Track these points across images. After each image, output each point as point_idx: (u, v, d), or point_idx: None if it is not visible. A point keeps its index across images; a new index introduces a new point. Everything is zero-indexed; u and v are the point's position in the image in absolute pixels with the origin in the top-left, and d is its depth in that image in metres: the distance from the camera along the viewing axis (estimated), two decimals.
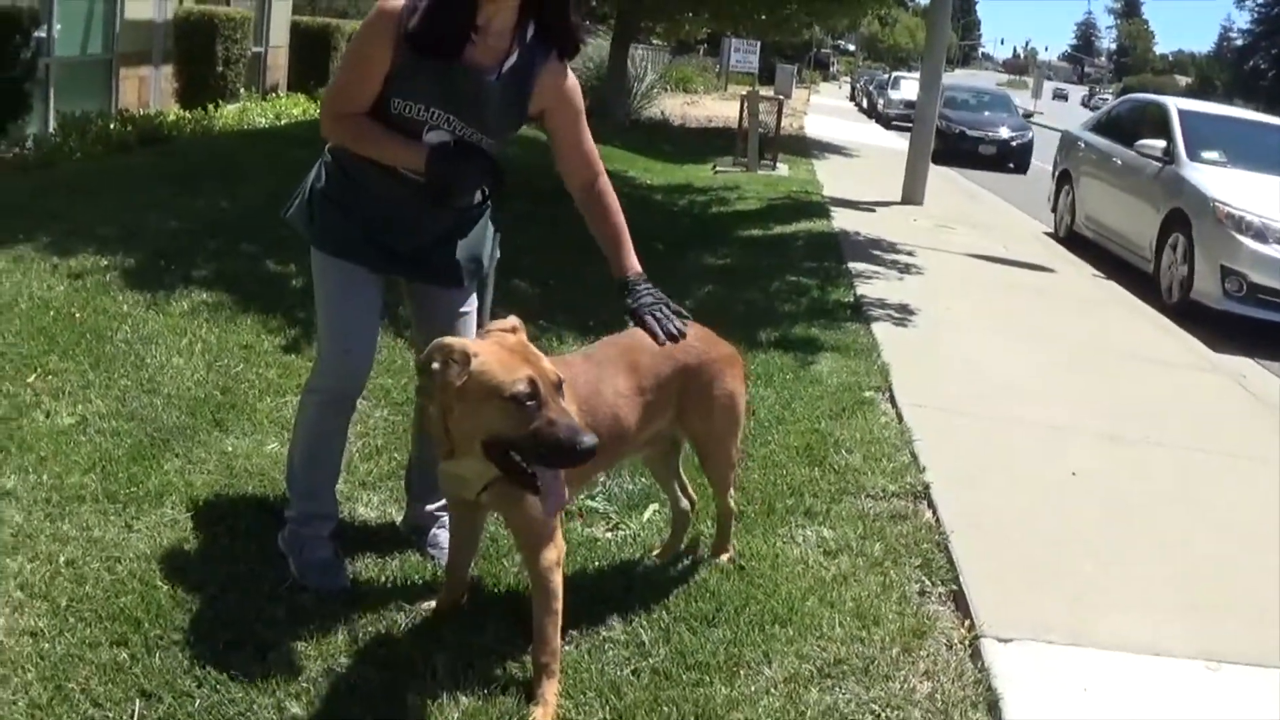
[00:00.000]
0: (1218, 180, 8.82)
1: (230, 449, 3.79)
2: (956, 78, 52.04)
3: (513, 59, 2.80)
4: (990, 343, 6.73)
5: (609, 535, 3.59)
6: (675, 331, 2.76)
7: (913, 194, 13.25)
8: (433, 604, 3.01)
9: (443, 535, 3.19)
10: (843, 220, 11.21)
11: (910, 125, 30.15)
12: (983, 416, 5.15)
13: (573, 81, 2.92)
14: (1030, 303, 8.22)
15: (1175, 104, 10.24)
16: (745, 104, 15.58)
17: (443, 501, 3.23)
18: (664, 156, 16.00)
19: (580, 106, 2.94)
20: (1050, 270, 9.71)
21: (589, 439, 2.39)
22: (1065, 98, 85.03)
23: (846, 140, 23.83)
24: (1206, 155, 9.24)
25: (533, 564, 2.70)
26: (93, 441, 3.68)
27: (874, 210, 12.44)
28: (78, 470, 3.47)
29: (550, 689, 2.65)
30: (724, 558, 3.47)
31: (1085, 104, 54.85)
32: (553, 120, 2.91)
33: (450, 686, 2.65)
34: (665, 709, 2.67)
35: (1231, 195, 8.45)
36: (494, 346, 2.50)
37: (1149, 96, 11.51)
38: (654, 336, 2.76)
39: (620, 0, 18.48)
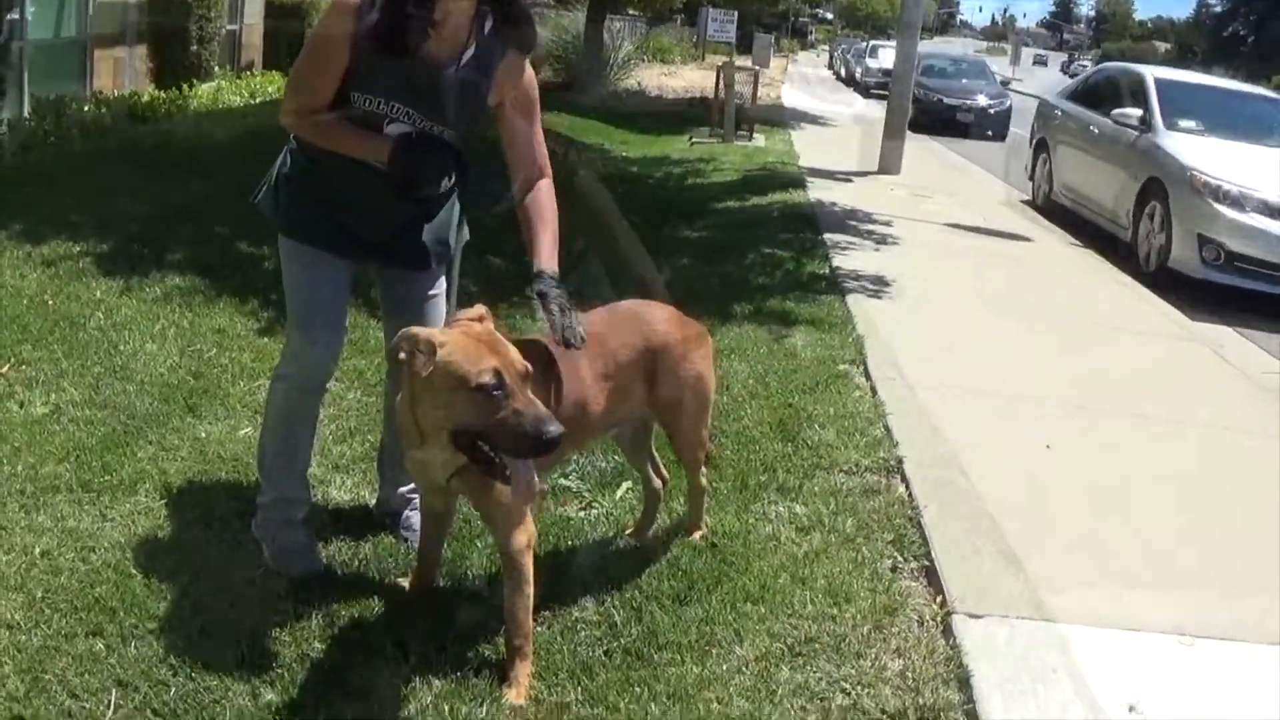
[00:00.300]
0: (1194, 149, 8.84)
1: (204, 435, 3.80)
2: (934, 45, 51.95)
3: (470, 51, 2.80)
4: (967, 314, 6.77)
5: (582, 514, 3.61)
6: (574, 340, 2.69)
7: (889, 164, 13.25)
8: (406, 584, 3.04)
9: (415, 517, 3.21)
10: (819, 191, 11.21)
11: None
12: (958, 389, 5.18)
13: (530, 76, 2.92)
14: (1007, 272, 8.26)
15: (1152, 72, 10.24)
16: (721, 75, 15.55)
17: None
18: (640, 128, 15.98)
19: (535, 101, 2.94)
20: (1028, 239, 9.75)
21: (554, 428, 2.40)
22: (1045, 64, 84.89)
23: (824, 110, 23.82)
24: (1183, 124, 9.26)
25: (504, 548, 2.73)
26: (66, 431, 3.68)
27: (851, 180, 12.44)
28: (52, 460, 3.47)
29: (523, 670, 2.68)
30: (696, 535, 3.50)
31: (1064, 70, 54.75)
32: (507, 113, 2.90)
33: (424, 669, 2.67)
34: (637, 689, 2.70)
35: (1208, 164, 8.47)
36: (461, 336, 2.51)
37: (1126, 65, 11.52)
38: (552, 329, 2.71)
39: None
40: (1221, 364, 6.36)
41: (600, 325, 2.98)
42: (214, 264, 5.59)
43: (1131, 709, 2.85)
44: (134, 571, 2.95)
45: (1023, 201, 12.40)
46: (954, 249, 8.99)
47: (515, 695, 2.64)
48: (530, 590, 2.71)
